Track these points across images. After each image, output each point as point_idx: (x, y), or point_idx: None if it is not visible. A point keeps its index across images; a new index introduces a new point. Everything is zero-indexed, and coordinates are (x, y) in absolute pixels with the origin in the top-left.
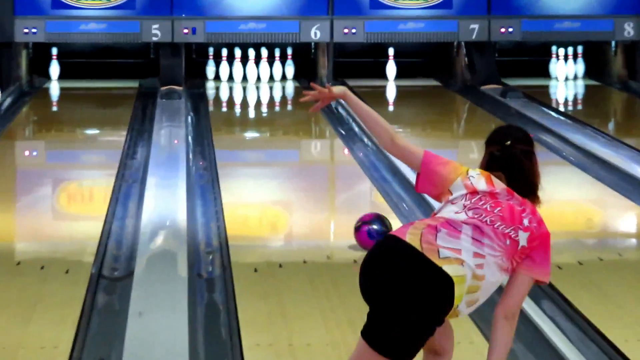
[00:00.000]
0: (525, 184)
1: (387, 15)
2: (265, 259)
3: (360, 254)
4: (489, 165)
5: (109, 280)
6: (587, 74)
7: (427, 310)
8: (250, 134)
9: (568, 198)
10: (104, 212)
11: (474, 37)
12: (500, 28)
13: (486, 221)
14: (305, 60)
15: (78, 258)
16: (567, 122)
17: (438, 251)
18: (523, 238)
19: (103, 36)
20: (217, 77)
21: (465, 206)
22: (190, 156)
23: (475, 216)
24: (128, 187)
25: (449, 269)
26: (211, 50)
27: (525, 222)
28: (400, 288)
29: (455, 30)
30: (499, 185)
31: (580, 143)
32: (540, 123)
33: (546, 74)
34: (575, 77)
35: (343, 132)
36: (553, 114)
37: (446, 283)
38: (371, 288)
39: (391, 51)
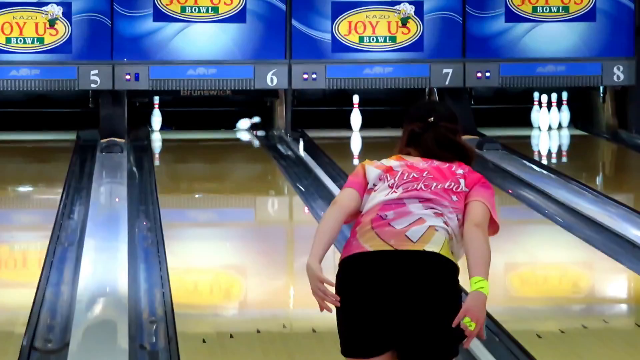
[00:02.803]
0: (457, 154)
1: (351, 59)
2: (215, 329)
3: (322, 323)
4: (409, 143)
5: (41, 352)
6: (573, 123)
7: (445, 299)
8: (199, 191)
9: (552, 260)
10: (37, 277)
11: (447, 82)
12: (477, 73)
13: (421, 188)
14: (261, 109)
15: (8, 328)
16: (550, 177)
17: (407, 236)
18: (462, 185)
19: (36, 83)
20: (162, 128)
21: (391, 186)
22: (133, 216)
23: (408, 189)
24: (64, 251)
25: (430, 245)
26: (156, 99)
27: (459, 171)
28: (418, 295)
29: (426, 75)
30: (412, 158)
31: (565, 200)
32: (520, 177)
33: (527, 123)
34: (560, 127)
35: (302, 189)
36: (535, 167)
37: (439, 262)
38: (394, 314)
39: (356, 99)
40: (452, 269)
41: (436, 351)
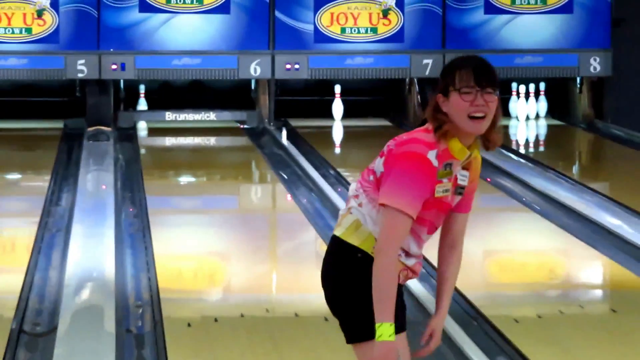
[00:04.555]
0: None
1: (333, 50)
2: (200, 313)
3: (304, 308)
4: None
5: (30, 336)
6: (550, 113)
7: (334, 283)
8: (185, 179)
9: (529, 247)
10: (26, 263)
11: (427, 73)
12: None
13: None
14: (245, 99)
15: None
16: (527, 165)
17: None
18: (379, 164)
19: (24, 73)
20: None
21: None
22: (119, 203)
23: None
24: (51, 237)
25: (338, 229)
26: (142, 87)
27: (385, 149)
28: (322, 280)
29: (407, 66)
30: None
31: (542, 188)
32: (498, 166)
33: (505, 113)
34: (537, 117)
35: (285, 177)
36: (513, 156)
37: (334, 245)
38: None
39: (338, 89)
40: (346, 251)
41: (343, 331)
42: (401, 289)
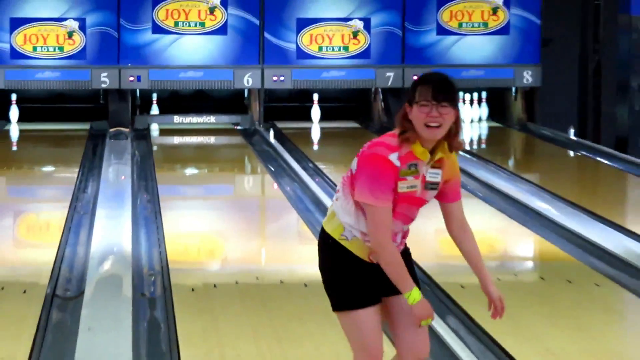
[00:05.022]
0: None
1: (312, 65)
2: (202, 281)
3: (288, 277)
4: None
5: (61, 299)
6: (490, 117)
7: (319, 261)
8: (189, 171)
9: (473, 226)
10: (58, 239)
11: (389, 84)
12: (413, 76)
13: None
14: (239, 105)
15: (34, 280)
16: (472, 160)
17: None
18: (354, 163)
19: (57, 83)
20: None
21: None
22: (135, 190)
23: None
24: (79, 218)
25: (324, 220)
26: (154, 95)
27: (361, 151)
28: None
29: (372, 78)
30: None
31: (484, 178)
32: None
33: None
34: (480, 120)
35: (272, 169)
36: (460, 152)
37: (321, 231)
38: None
39: (316, 96)
40: (324, 237)
41: None
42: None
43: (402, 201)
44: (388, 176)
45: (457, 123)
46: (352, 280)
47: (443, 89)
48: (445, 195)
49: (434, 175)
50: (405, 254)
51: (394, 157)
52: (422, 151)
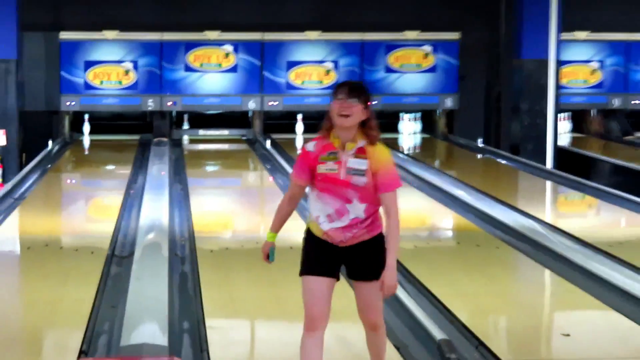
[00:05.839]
0: None
1: (297, 93)
2: (218, 246)
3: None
4: None
5: (118, 258)
6: (423, 130)
7: None
8: (209, 168)
9: (410, 209)
10: (116, 216)
11: None
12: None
13: None
14: (245, 122)
15: (99, 244)
16: (409, 161)
17: None
18: None
19: (117, 107)
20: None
21: None
22: (172, 182)
23: None
24: (131, 201)
25: None
26: (186, 116)
27: None
28: None
29: None
30: None
31: (417, 173)
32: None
33: (396, 131)
34: (415, 133)
35: (269, 167)
36: (401, 155)
37: None
38: None
39: (299, 116)
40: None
41: None
42: (334, 247)
43: (325, 180)
44: (302, 159)
45: (370, 119)
46: (307, 252)
47: (353, 88)
48: (376, 186)
49: (356, 163)
50: (374, 242)
51: (310, 146)
52: (339, 143)
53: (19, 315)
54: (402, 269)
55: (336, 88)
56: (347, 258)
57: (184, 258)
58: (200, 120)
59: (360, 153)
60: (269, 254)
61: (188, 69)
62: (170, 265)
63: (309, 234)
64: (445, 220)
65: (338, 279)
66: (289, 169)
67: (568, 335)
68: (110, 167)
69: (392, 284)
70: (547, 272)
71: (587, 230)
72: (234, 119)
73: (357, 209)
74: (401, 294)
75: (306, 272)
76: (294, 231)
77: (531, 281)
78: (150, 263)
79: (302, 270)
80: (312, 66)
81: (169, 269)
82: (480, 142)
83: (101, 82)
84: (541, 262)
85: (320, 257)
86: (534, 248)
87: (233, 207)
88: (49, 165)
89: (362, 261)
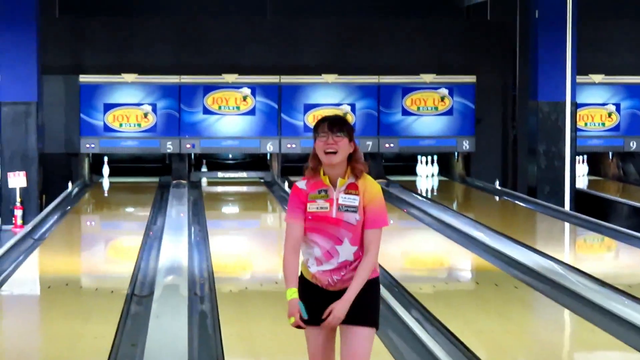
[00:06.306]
0: None
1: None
2: (237, 286)
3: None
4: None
5: (138, 297)
6: (440, 173)
7: None
8: (228, 210)
9: (428, 248)
10: (136, 256)
11: (369, 149)
12: (386, 144)
13: None
14: (264, 164)
15: (119, 284)
16: (427, 203)
17: None
18: None
19: (136, 149)
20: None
21: None
22: (190, 223)
23: None
24: (151, 242)
25: None
26: (204, 159)
27: None
28: None
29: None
30: None
31: (436, 215)
32: (410, 203)
33: (414, 173)
34: (432, 175)
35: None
36: (418, 197)
37: None
38: None
39: None
40: None
41: None
42: (326, 292)
43: (316, 219)
44: (295, 196)
45: (355, 153)
46: (302, 299)
47: (336, 123)
48: (364, 222)
49: (348, 200)
50: (366, 285)
51: (302, 184)
52: (327, 180)
53: (40, 352)
54: (420, 308)
55: (316, 125)
56: (331, 298)
57: (203, 297)
58: (219, 162)
59: (351, 189)
60: (300, 311)
61: (206, 111)
62: (189, 304)
63: (301, 279)
64: (464, 260)
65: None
66: None
67: None
68: (129, 209)
69: (338, 315)
70: (566, 312)
71: (607, 271)
72: (252, 161)
73: (347, 251)
74: (420, 332)
75: (306, 321)
76: None
77: (550, 320)
78: (169, 302)
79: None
80: (329, 109)
81: (188, 308)
82: (497, 185)
83: (120, 125)
84: (560, 302)
85: (312, 305)
86: (553, 288)
87: (252, 248)
88: (69, 207)
89: (355, 305)
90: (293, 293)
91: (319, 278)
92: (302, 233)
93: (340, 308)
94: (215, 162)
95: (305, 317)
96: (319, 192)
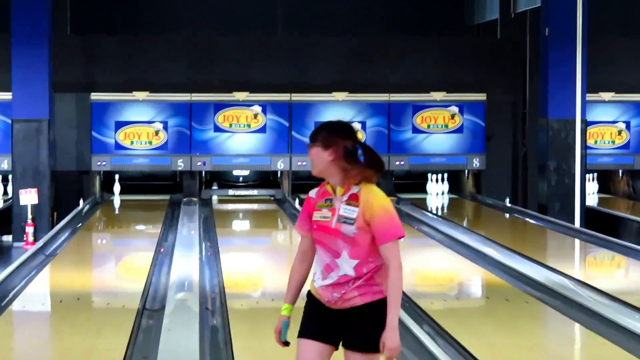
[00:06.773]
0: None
1: None
2: (248, 300)
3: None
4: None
5: (149, 311)
6: (450, 191)
7: None
8: (238, 227)
9: (439, 265)
10: (147, 271)
11: None
12: (396, 162)
13: None
14: (274, 182)
15: (130, 299)
16: (437, 220)
17: None
18: None
19: (147, 167)
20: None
21: None
22: (202, 240)
23: None
24: (162, 258)
25: None
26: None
27: None
28: None
29: None
30: None
31: (446, 232)
32: (421, 220)
33: (425, 191)
34: (443, 193)
35: None
36: (429, 214)
37: None
38: None
39: None
40: None
41: None
42: (329, 310)
43: (319, 229)
44: (304, 206)
45: (342, 160)
46: (304, 312)
47: (313, 132)
48: (375, 240)
49: (347, 211)
50: (372, 309)
51: (313, 192)
52: (331, 189)
53: None
54: (432, 323)
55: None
56: (343, 324)
57: (214, 311)
58: (230, 180)
59: (352, 200)
60: (281, 331)
61: (217, 129)
62: (200, 318)
63: (309, 293)
64: (475, 276)
65: (337, 348)
66: None
67: None
68: (140, 226)
69: (393, 346)
70: (577, 326)
71: (617, 287)
72: (262, 179)
73: (346, 265)
74: (432, 346)
75: (299, 334)
76: None
77: (561, 334)
78: (181, 316)
79: (299, 331)
80: None
81: (200, 322)
82: (507, 202)
83: (131, 143)
84: (571, 316)
85: (313, 319)
86: (564, 303)
87: (263, 265)
88: (80, 224)
89: (356, 328)
90: (284, 310)
91: (321, 294)
92: (309, 244)
93: (391, 337)
94: (226, 184)
95: (284, 339)
96: (325, 200)
